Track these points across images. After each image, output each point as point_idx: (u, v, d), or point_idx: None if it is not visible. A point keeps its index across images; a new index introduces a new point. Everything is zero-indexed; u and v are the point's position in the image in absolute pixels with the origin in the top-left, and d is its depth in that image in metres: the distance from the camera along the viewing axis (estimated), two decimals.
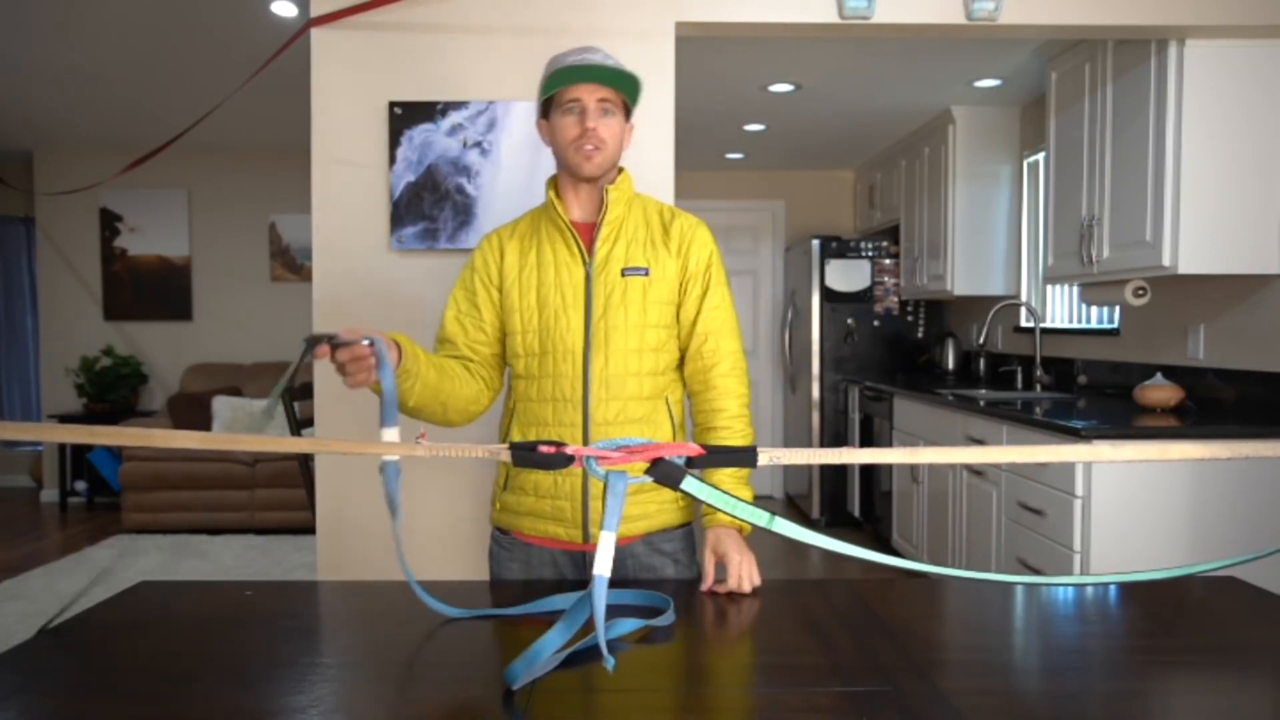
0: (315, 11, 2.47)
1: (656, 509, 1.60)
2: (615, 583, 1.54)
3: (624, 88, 1.54)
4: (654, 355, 1.58)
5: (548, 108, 1.57)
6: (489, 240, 1.67)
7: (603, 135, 1.53)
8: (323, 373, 2.52)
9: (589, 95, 1.52)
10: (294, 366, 1.24)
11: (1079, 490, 2.74)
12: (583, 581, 1.53)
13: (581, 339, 1.55)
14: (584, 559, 1.61)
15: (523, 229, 1.66)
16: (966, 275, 4.67)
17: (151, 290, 6.23)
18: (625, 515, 1.57)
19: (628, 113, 1.59)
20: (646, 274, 1.57)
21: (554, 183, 1.63)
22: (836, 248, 5.55)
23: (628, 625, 1.21)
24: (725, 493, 1.09)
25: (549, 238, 1.61)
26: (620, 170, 1.63)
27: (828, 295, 5.55)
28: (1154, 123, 2.93)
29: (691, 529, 1.68)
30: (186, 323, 6.27)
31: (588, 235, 1.60)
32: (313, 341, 1.22)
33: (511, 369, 1.65)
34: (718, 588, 1.46)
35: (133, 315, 6.23)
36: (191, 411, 5.62)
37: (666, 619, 1.25)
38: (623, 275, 1.57)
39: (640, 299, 1.56)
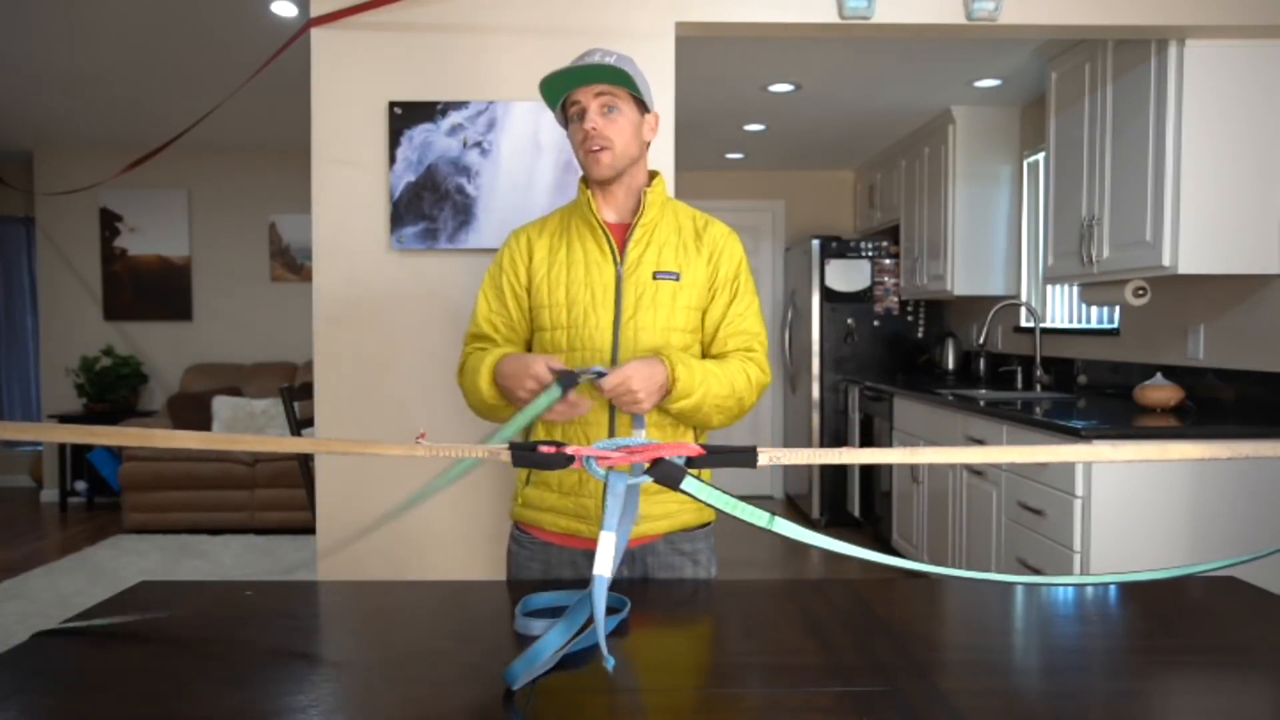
0: (315, 11, 2.47)
1: (678, 508, 1.59)
2: (634, 581, 1.55)
3: (616, 81, 1.52)
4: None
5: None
6: (516, 237, 1.66)
7: (607, 134, 1.52)
8: (322, 372, 2.52)
9: (586, 96, 1.52)
10: (546, 405, 1.37)
11: (1079, 490, 2.74)
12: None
13: (610, 339, 1.55)
14: None
15: (552, 226, 1.65)
16: (966, 275, 4.67)
17: (151, 290, 6.23)
18: (647, 514, 1.56)
19: (643, 106, 1.57)
20: (678, 279, 1.57)
21: (586, 181, 1.63)
22: (836, 248, 5.55)
23: (609, 622, 1.21)
24: (724, 491, 1.09)
25: (580, 236, 1.60)
26: (655, 174, 1.63)
27: (828, 295, 5.55)
28: (1154, 123, 2.93)
29: (712, 529, 1.67)
30: (186, 323, 6.27)
31: (619, 236, 1.59)
32: (568, 380, 1.38)
33: None
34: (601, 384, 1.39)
35: (133, 315, 6.22)
36: (191, 411, 5.62)
37: (622, 615, 1.25)
38: (654, 278, 1.56)
39: (669, 302, 1.56)
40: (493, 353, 1.56)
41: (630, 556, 1.60)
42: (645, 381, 1.39)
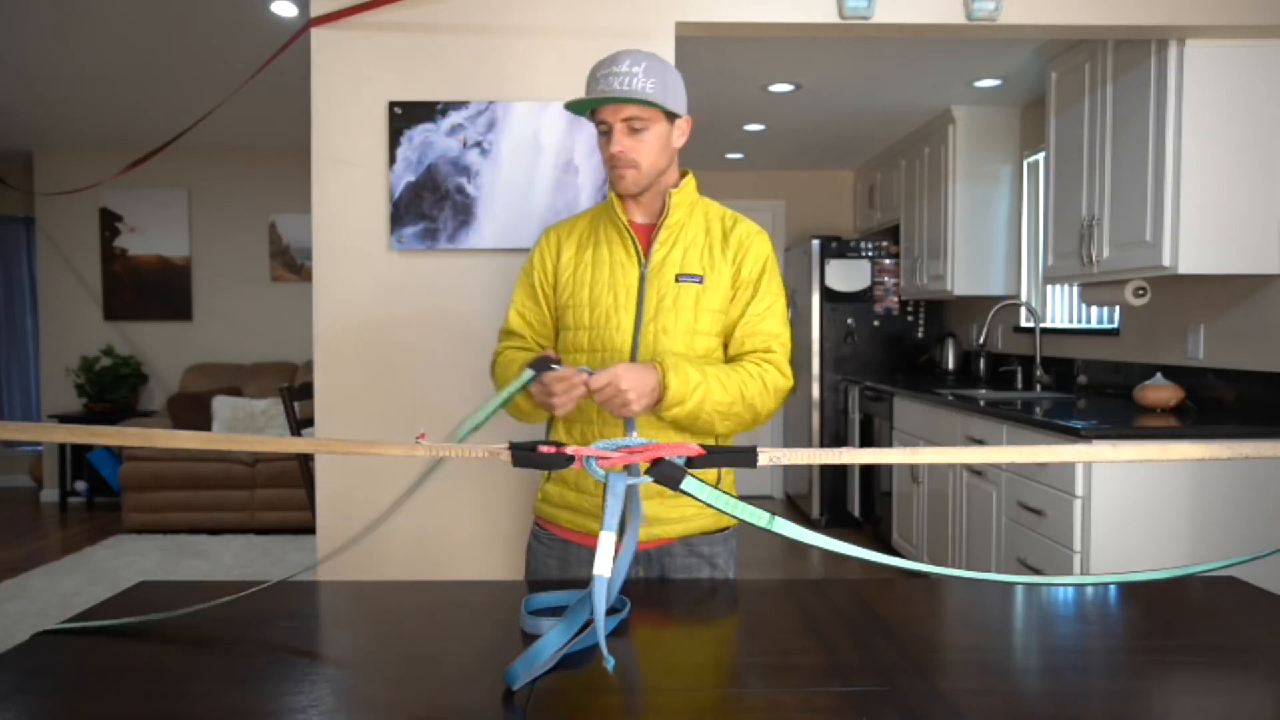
0: (315, 11, 2.47)
1: (695, 512, 1.58)
2: (648, 582, 1.55)
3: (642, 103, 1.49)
4: (700, 362, 1.56)
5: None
6: (546, 237, 1.67)
7: (632, 156, 1.51)
8: (322, 372, 2.52)
9: (614, 117, 1.50)
10: (514, 389, 1.39)
11: (1079, 490, 2.74)
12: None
13: (630, 340, 1.54)
14: None
15: (582, 227, 1.65)
16: (966, 275, 4.67)
17: (151, 290, 6.23)
18: (665, 517, 1.56)
19: (671, 116, 1.54)
20: (701, 281, 1.55)
21: None
22: (836, 248, 5.55)
23: (610, 622, 1.21)
24: (725, 492, 1.09)
25: (607, 237, 1.60)
26: (685, 173, 1.62)
27: (828, 295, 5.55)
28: (1154, 123, 2.93)
29: (733, 533, 1.67)
30: (186, 323, 6.27)
31: (646, 237, 1.59)
32: (540, 363, 1.40)
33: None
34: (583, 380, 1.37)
35: (133, 315, 6.22)
36: (191, 411, 5.62)
37: (622, 615, 1.24)
38: (676, 281, 1.55)
39: (692, 305, 1.55)
40: (521, 357, 1.57)
41: (647, 558, 1.59)
42: (635, 383, 1.36)
